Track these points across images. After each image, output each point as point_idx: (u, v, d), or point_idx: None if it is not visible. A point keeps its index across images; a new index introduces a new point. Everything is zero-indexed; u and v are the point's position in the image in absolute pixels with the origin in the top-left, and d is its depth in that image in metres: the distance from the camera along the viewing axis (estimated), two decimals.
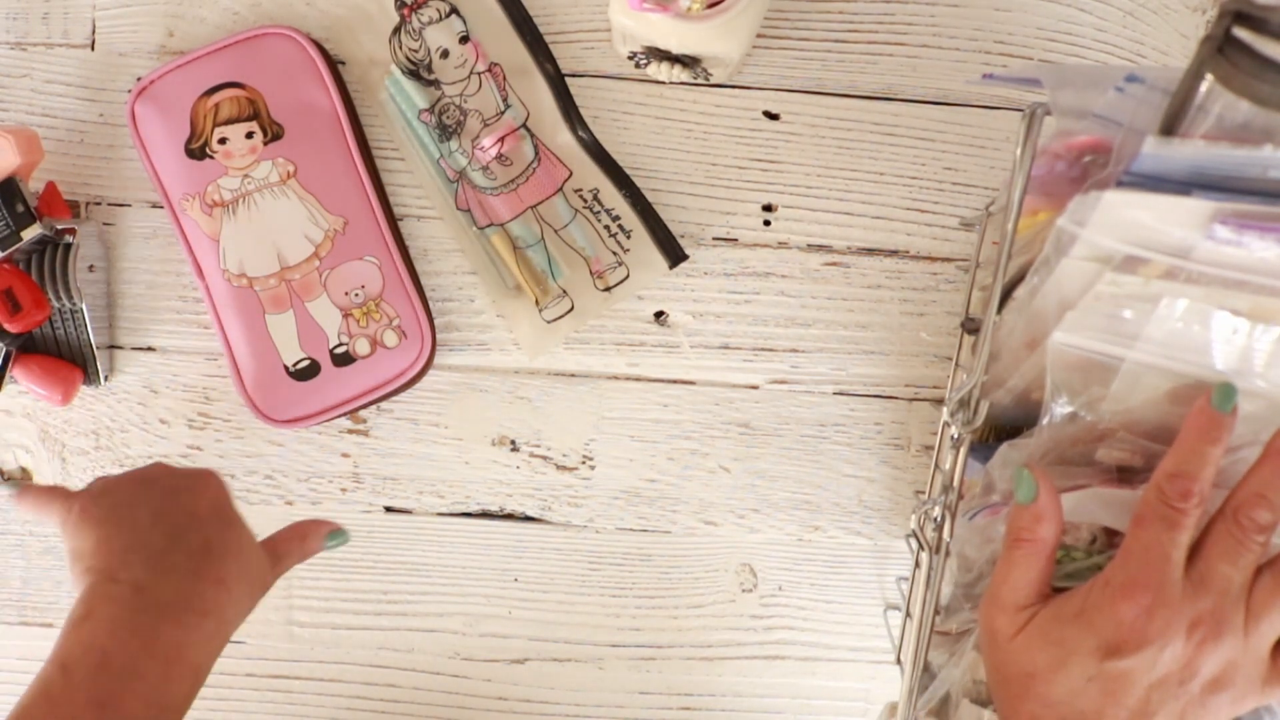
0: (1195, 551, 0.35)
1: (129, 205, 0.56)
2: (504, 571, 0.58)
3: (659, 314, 0.56)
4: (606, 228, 0.55)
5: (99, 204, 0.56)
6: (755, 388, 0.57)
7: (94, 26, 0.56)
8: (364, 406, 0.55)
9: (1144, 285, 0.35)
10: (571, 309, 0.55)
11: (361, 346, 0.54)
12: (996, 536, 0.42)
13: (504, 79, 0.54)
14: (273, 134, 0.53)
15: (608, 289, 0.55)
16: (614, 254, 0.55)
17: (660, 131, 0.56)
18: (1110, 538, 0.39)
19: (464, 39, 0.54)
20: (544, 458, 0.57)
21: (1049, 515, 0.37)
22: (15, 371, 0.53)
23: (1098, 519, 0.39)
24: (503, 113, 0.54)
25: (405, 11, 0.54)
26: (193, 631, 0.39)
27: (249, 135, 0.53)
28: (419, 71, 0.54)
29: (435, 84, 0.54)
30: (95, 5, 0.55)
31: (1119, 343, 0.37)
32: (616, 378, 0.57)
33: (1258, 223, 0.31)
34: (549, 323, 0.55)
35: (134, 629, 0.38)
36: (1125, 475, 0.41)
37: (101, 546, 0.40)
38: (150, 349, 0.57)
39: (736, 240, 0.56)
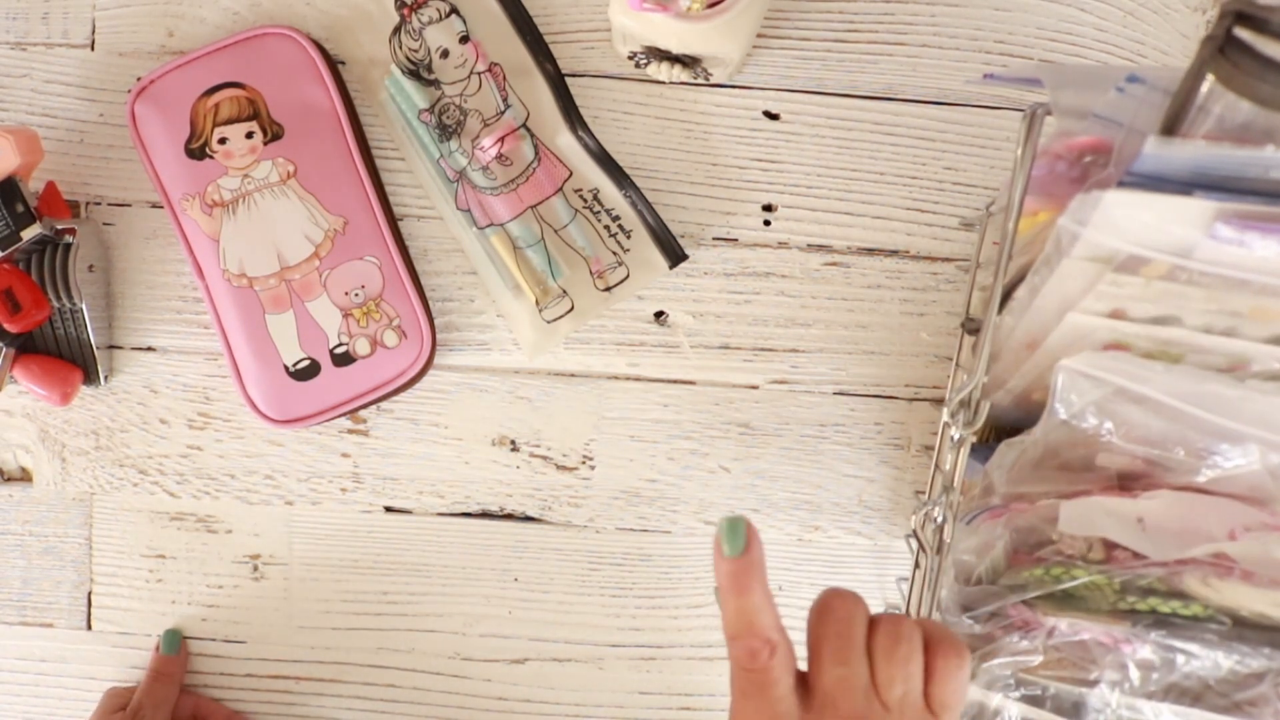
0: (814, 672, 0.33)
1: (129, 205, 0.56)
2: (504, 571, 0.58)
3: (659, 314, 0.56)
4: (606, 228, 0.55)
5: (99, 204, 0.56)
6: (755, 388, 0.57)
7: (94, 26, 0.56)
8: (364, 406, 0.55)
9: (1145, 285, 0.35)
10: (571, 309, 0.55)
11: (361, 346, 0.54)
12: (995, 540, 0.42)
13: (504, 79, 0.54)
14: (273, 134, 0.53)
15: (608, 289, 0.55)
16: (614, 254, 0.55)
17: (660, 131, 0.56)
18: (1109, 549, 0.39)
19: (464, 39, 0.54)
20: (544, 458, 0.57)
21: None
22: (15, 371, 0.53)
23: (1097, 530, 0.39)
24: (503, 113, 0.54)
25: (405, 11, 0.54)
26: None
27: (249, 135, 0.53)
28: (419, 71, 0.54)
29: (435, 84, 0.54)
30: (95, 5, 0.55)
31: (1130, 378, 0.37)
32: (616, 378, 0.57)
33: (1259, 223, 0.31)
34: (549, 323, 0.55)
35: None
36: (1126, 481, 0.41)
37: None
38: (150, 349, 0.57)
39: (736, 240, 0.56)
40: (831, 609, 0.33)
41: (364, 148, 0.55)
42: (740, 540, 0.32)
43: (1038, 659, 0.40)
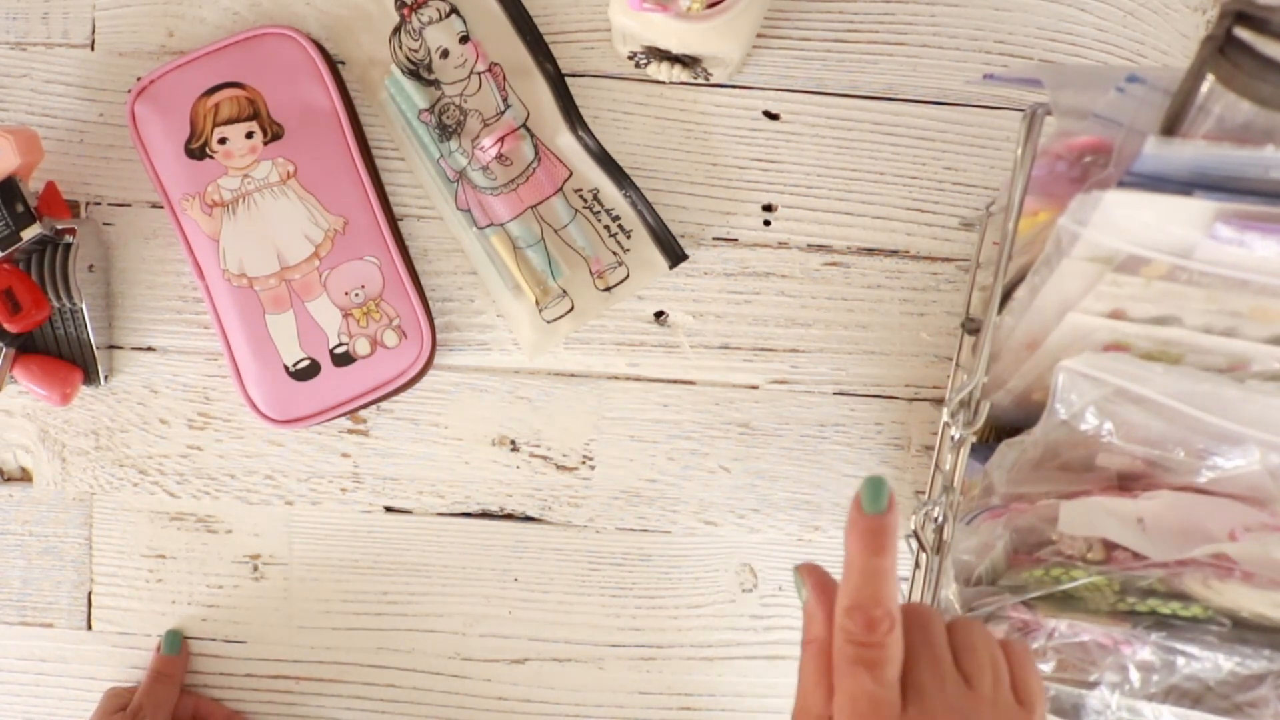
0: (905, 667, 0.32)
1: (129, 205, 0.56)
2: (504, 571, 0.58)
3: (659, 314, 0.56)
4: (606, 228, 0.55)
5: (99, 204, 0.56)
6: (755, 388, 0.57)
7: (94, 26, 0.56)
8: (364, 406, 0.55)
9: (1145, 286, 0.35)
10: (571, 309, 0.55)
11: (361, 346, 0.54)
12: (995, 541, 0.42)
13: (504, 79, 0.54)
14: (273, 134, 0.53)
15: (608, 289, 0.55)
16: (614, 254, 0.55)
17: (660, 131, 0.55)
18: (1108, 550, 0.39)
19: (464, 39, 0.54)
20: (544, 458, 0.57)
21: (817, 615, 0.33)
22: (15, 371, 0.53)
23: (1097, 530, 0.39)
24: (503, 113, 0.54)
25: (405, 11, 0.54)
26: None
27: (249, 135, 0.53)
28: (419, 71, 0.54)
29: (435, 84, 0.54)
30: (95, 5, 0.55)
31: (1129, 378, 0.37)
32: (616, 378, 0.57)
33: (1259, 223, 0.31)
34: (549, 323, 0.55)
35: None
36: (1126, 481, 0.41)
37: None
38: (150, 349, 0.57)
39: (736, 240, 0.56)
40: (910, 608, 0.33)
41: (364, 148, 0.55)
42: (884, 499, 0.32)
43: (1040, 663, 0.40)
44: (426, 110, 0.54)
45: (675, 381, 0.57)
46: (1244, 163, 0.31)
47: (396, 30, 0.54)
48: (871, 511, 0.31)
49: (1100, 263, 0.35)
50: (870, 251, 0.56)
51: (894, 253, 0.56)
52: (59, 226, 0.52)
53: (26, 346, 0.54)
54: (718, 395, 0.57)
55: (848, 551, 0.32)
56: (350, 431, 0.57)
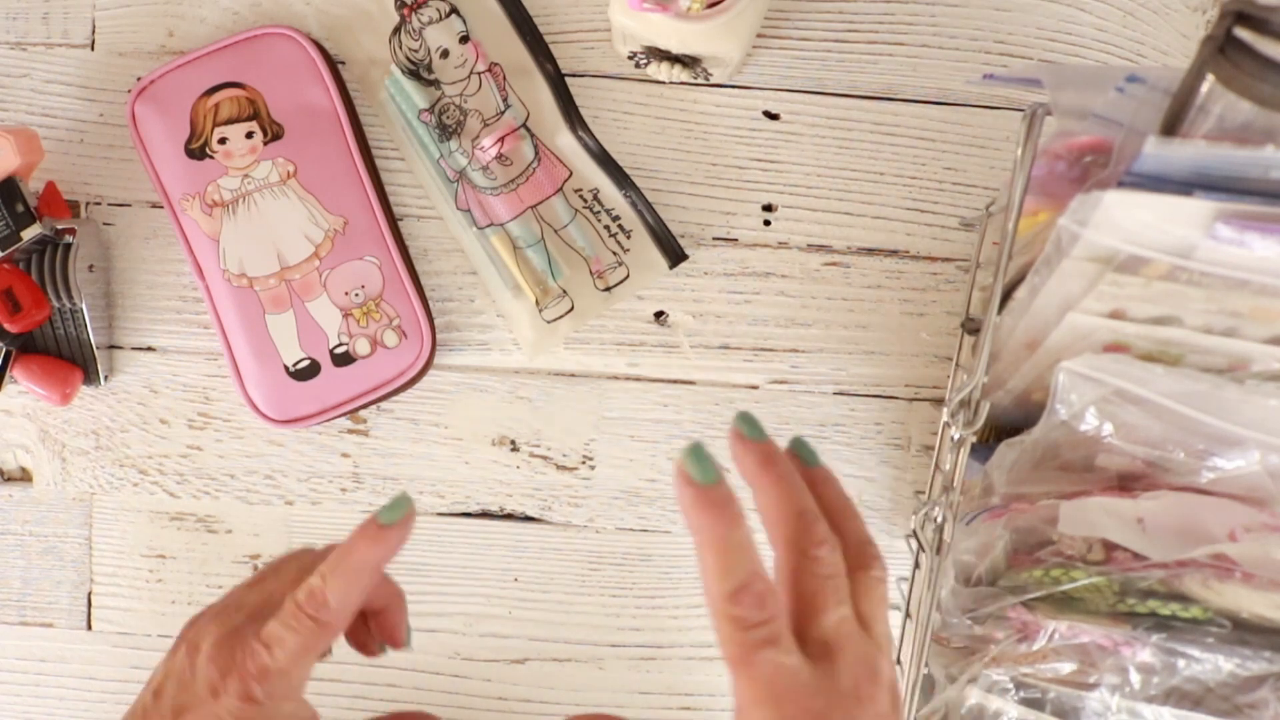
0: (799, 618, 0.28)
1: (129, 205, 0.56)
2: (504, 571, 0.58)
3: (659, 314, 0.56)
4: (606, 228, 0.55)
5: (99, 204, 0.56)
6: (755, 388, 0.57)
7: (94, 26, 0.56)
8: (364, 406, 0.54)
9: (1145, 285, 0.35)
10: (571, 309, 0.55)
11: (361, 346, 0.54)
12: (995, 541, 0.42)
13: (504, 79, 0.54)
14: (273, 134, 0.53)
15: (608, 289, 0.55)
16: (614, 254, 0.55)
17: (660, 131, 0.55)
18: (1108, 550, 0.39)
19: (464, 39, 0.54)
20: (544, 458, 0.57)
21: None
22: (15, 371, 0.53)
23: (1097, 530, 0.39)
24: (503, 113, 0.54)
25: (405, 11, 0.54)
26: None
27: (249, 135, 0.53)
28: (419, 71, 0.54)
29: (435, 84, 0.54)
30: (95, 5, 0.55)
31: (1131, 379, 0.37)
32: (616, 378, 0.57)
33: (1259, 223, 0.31)
34: (549, 323, 0.55)
35: None
36: (1126, 482, 0.41)
37: None
38: (150, 349, 0.57)
39: (736, 240, 0.56)
40: (821, 541, 0.29)
41: (364, 148, 0.54)
42: (711, 466, 0.28)
43: (1040, 664, 0.40)
44: (426, 110, 0.54)
45: (675, 381, 0.57)
46: (1244, 163, 0.31)
47: (396, 30, 0.54)
48: (706, 482, 0.28)
49: (1100, 263, 0.35)
50: (870, 251, 0.56)
51: (894, 253, 0.56)
52: (59, 226, 0.52)
53: (26, 346, 0.54)
54: (718, 395, 0.57)
55: (700, 531, 0.28)
56: (350, 431, 0.57)
